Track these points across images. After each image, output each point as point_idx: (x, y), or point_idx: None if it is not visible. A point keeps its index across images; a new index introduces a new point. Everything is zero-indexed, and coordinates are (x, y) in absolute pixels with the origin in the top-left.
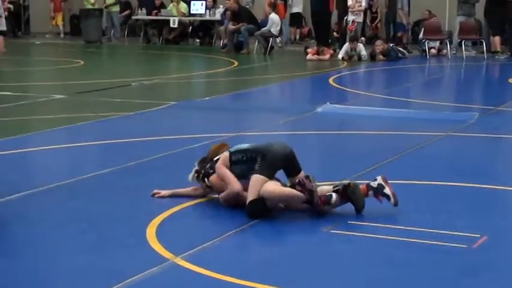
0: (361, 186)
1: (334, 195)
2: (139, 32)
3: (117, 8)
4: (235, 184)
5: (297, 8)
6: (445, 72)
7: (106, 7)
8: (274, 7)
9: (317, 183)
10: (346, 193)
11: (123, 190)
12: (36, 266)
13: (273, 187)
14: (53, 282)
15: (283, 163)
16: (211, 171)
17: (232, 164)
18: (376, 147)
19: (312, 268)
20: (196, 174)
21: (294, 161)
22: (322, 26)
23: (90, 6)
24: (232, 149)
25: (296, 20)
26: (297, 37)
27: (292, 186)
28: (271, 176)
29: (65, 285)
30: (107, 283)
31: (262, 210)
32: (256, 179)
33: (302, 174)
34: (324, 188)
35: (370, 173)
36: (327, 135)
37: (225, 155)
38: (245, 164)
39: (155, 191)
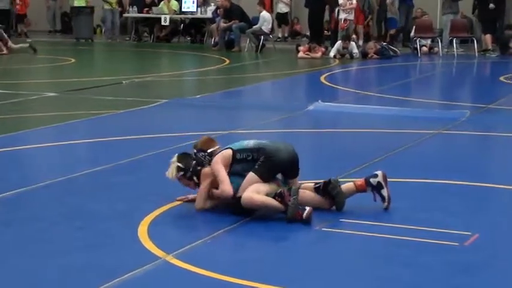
0: (359, 182)
1: (307, 209)
2: (131, 30)
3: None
4: (229, 187)
5: (285, 8)
6: (436, 70)
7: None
8: (262, 4)
9: (296, 197)
10: (327, 189)
11: (114, 188)
12: (28, 264)
13: (253, 196)
14: (46, 280)
15: (283, 169)
16: (206, 161)
17: (236, 162)
18: (368, 145)
19: (309, 266)
20: (182, 173)
21: (294, 167)
22: (314, 24)
23: (81, 4)
24: (236, 147)
25: (283, 19)
26: (285, 35)
27: (274, 196)
28: (267, 179)
29: (57, 283)
30: (98, 281)
31: (242, 211)
32: (251, 177)
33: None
34: (306, 185)
35: (362, 171)
36: (318, 133)
37: (227, 152)
38: (249, 163)
39: (180, 198)
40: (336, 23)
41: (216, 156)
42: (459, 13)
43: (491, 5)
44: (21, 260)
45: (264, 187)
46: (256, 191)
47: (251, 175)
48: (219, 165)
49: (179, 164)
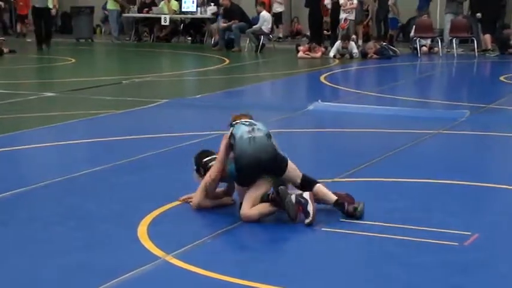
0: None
1: (310, 204)
2: (130, 30)
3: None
4: (216, 172)
5: (280, 8)
6: (436, 70)
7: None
8: (262, 4)
9: (289, 198)
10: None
11: (114, 188)
12: (27, 264)
13: (248, 214)
14: (45, 281)
15: (253, 172)
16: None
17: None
18: (368, 145)
19: (309, 266)
20: (198, 174)
21: (270, 167)
22: (314, 24)
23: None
24: (231, 138)
25: (278, 19)
26: (280, 35)
27: (267, 200)
28: (248, 184)
29: (57, 283)
30: (97, 281)
31: None
32: (237, 187)
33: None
34: (324, 190)
35: (361, 170)
36: (318, 133)
37: (227, 137)
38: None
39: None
40: (331, 12)
41: (224, 139)
42: (461, 14)
43: (478, 14)
44: (20, 260)
45: (256, 191)
46: (251, 202)
47: (236, 185)
48: (222, 150)
49: (194, 167)
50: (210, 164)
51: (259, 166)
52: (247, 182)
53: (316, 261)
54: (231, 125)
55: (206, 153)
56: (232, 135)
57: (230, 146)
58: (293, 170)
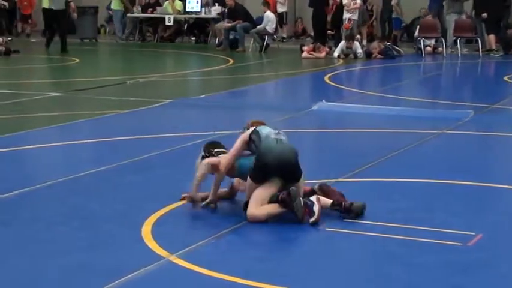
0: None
1: (316, 205)
2: (134, 30)
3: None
4: (225, 164)
5: (282, 8)
6: (440, 70)
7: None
8: (267, 4)
9: (299, 200)
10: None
11: (118, 188)
12: (31, 264)
13: (256, 213)
14: (48, 280)
15: (273, 172)
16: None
17: (248, 147)
18: (372, 145)
19: (312, 266)
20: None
21: (288, 171)
22: (318, 24)
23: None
24: (254, 134)
25: (281, 19)
26: (285, 35)
27: (276, 201)
28: (261, 181)
29: (60, 284)
30: (102, 281)
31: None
32: (248, 183)
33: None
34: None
35: (365, 171)
36: (322, 133)
37: (247, 133)
38: (252, 154)
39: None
40: (335, 9)
41: (243, 134)
42: (463, 13)
43: (484, 15)
44: (23, 260)
45: (265, 191)
46: (258, 202)
47: (248, 180)
48: (239, 143)
49: (202, 153)
50: (219, 155)
51: (285, 166)
52: (262, 179)
53: (319, 261)
54: (246, 128)
55: (216, 144)
56: (256, 132)
57: (248, 143)
58: (303, 182)
